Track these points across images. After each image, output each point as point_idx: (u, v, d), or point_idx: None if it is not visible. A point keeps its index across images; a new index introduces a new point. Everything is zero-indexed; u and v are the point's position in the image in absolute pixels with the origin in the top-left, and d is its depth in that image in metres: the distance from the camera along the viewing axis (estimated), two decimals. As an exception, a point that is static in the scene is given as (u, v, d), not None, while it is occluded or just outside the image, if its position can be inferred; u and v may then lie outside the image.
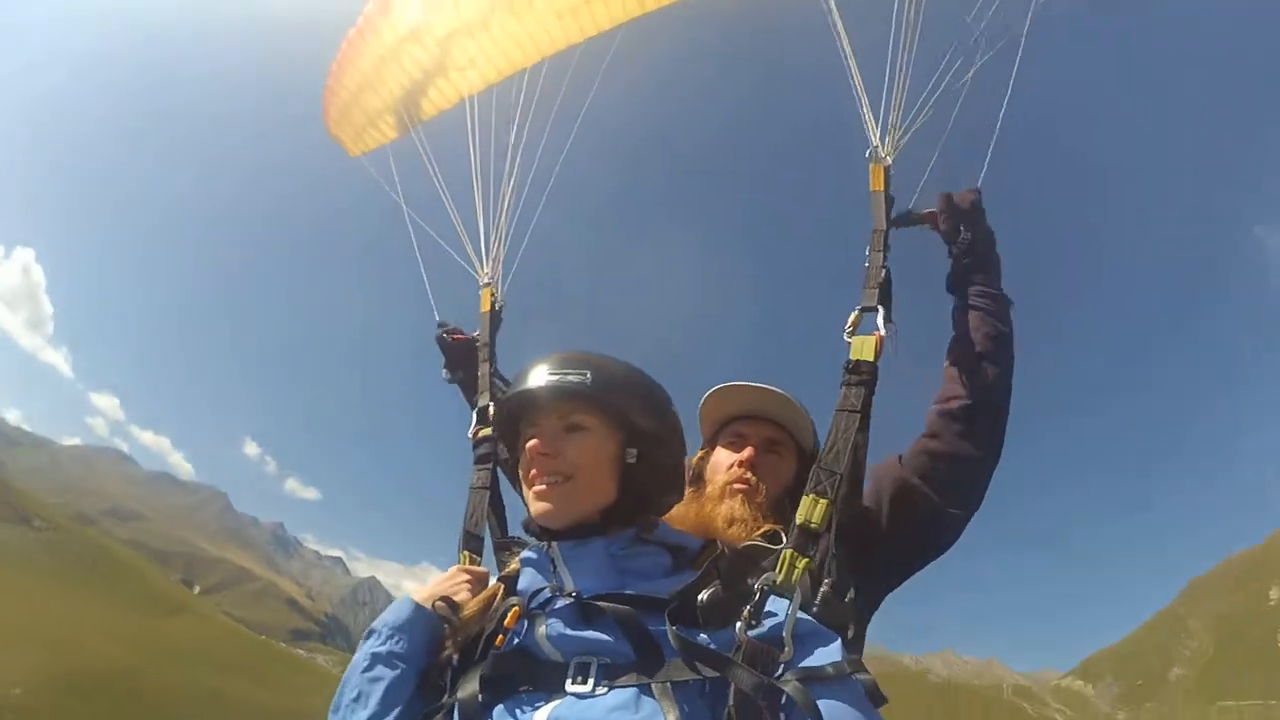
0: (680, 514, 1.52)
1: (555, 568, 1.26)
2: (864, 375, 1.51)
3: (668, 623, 1.07)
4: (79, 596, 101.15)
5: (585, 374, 1.27)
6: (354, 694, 1.24)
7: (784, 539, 1.40)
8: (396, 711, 1.22)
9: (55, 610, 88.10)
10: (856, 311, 1.64)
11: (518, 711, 1.10)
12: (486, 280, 2.46)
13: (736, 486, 1.78)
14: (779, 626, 1.10)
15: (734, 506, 1.72)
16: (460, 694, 1.16)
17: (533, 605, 1.24)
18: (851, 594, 1.48)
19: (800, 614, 1.14)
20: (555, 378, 1.28)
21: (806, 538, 1.28)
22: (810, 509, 1.32)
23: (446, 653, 1.30)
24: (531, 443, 1.28)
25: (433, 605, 1.32)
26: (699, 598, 1.11)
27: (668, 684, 1.02)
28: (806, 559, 1.24)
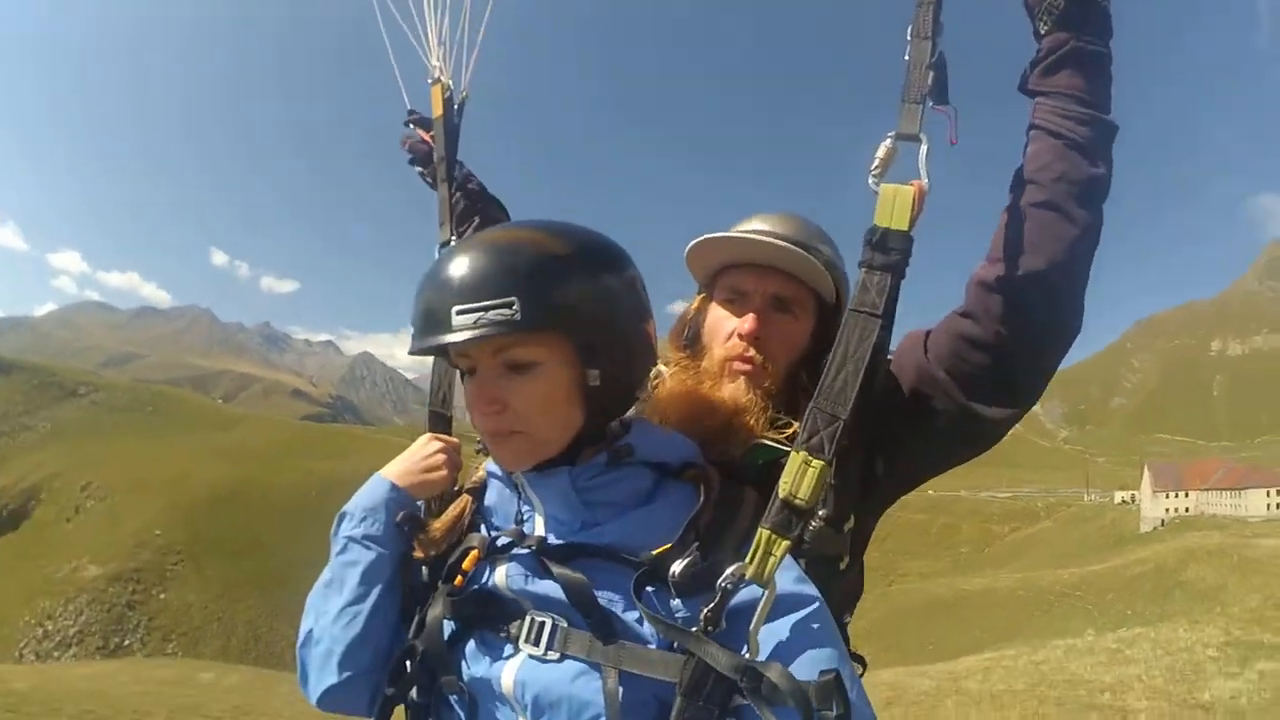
0: (674, 391, 1.29)
1: (522, 491, 1.09)
2: (892, 254, 1.01)
3: (638, 603, 0.92)
4: (159, 440, 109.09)
5: (511, 302, 0.91)
6: (328, 579, 1.14)
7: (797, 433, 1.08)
8: (376, 593, 1.10)
9: (149, 457, 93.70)
10: (889, 141, 1.07)
11: (487, 659, 1.00)
12: (437, 72, 1.71)
13: (738, 366, 1.34)
14: (746, 619, 0.89)
15: (737, 391, 1.31)
16: (428, 620, 1.04)
17: (493, 548, 1.06)
18: (851, 523, 1.20)
19: (781, 583, 0.92)
20: (469, 317, 0.92)
21: (790, 515, 0.94)
22: (798, 475, 0.94)
23: (418, 557, 1.15)
24: (469, 398, 1.02)
25: (397, 522, 1.14)
26: (672, 571, 0.91)
27: (617, 670, 0.90)
28: (786, 541, 0.92)
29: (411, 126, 1.83)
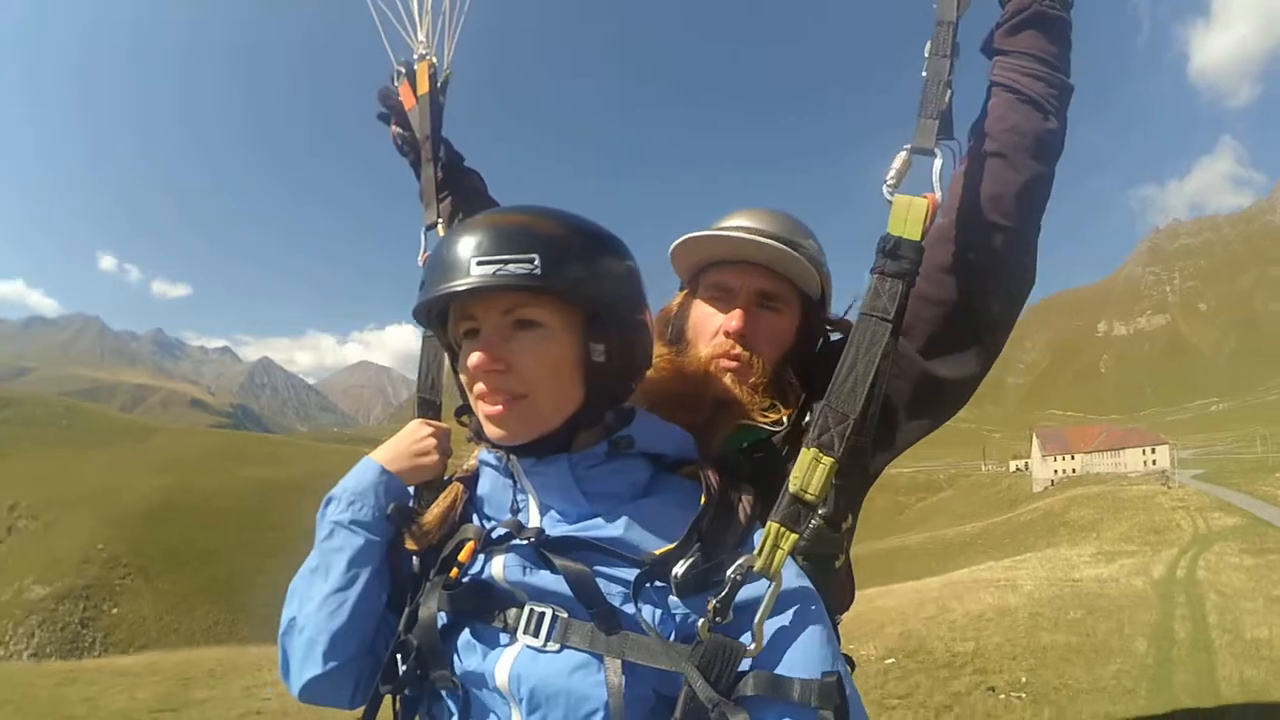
0: (660, 388, 1.23)
1: (517, 480, 1.05)
2: (904, 262, 1.01)
3: (636, 604, 0.91)
4: (82, 454, 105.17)
5: (533, 259, 0.91)
6: (313, 564, 1.08)
7: (783, 420, 1.19)
8: (363, 580, 1.06)
9: (76, 472, 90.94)
10: (904, 154, 1.07)
11: (481, 652, 0.97)
12: (423, 49, 1.66)
13: (724, 364, 1.31)
14: (750, 613, 0.89)
15: (724, 388, 1.29)
16: (421, 614, 1.01)
17: (489, 539, 1.03)
18: (848, 522, 1.16)
19: (785, 579, 0.92)
20: (490, 268, 0.91)
21: (798, 509, 0.94)
22: (808, 471, 0.95)
23: (410, 549, 1.10)
24: (473, 357, 0.95)
25: (387, 513, 1.10)
26: (675, 572, 0.90)
27: (620, 660, 0.88)
28: (795, 535, 0.92)
29: (391, 122, 1.73)
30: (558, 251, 0.94)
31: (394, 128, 1.72)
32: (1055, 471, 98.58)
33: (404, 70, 1.67)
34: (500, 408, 0.97)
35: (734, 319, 1.32)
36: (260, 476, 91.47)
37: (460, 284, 0.92)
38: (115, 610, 64.51)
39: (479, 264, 0.92)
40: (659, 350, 1.32)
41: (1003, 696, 5.26)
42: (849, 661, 1.22)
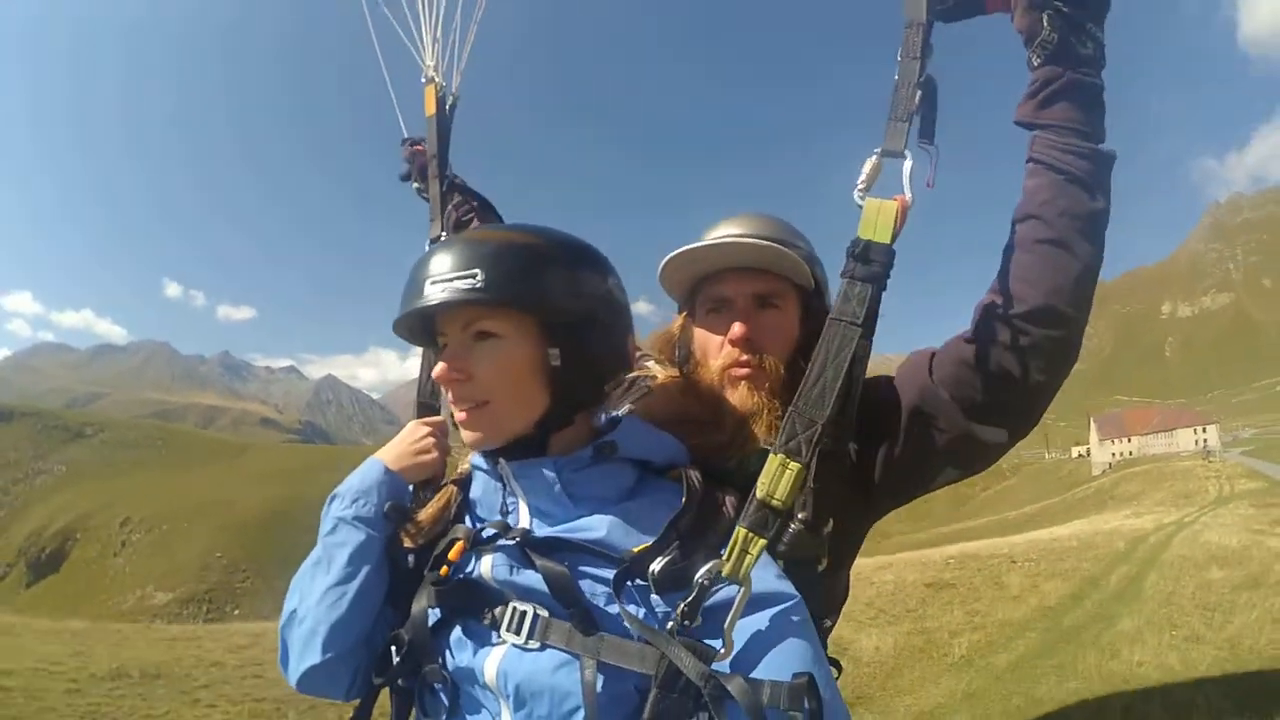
0: (674, 411, 1.27)
1: (506, 483, 1.08)
2: (874, 265, 1.02)
3: (619, 600, 0.92)
4: (181, 472, 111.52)
5: (475, 274, 0.97)
6: (316, 558, 1.12)
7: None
8: (363, 575, 1.08)
9: (179, 488, 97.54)
10: (875, 157, 1.07)
11: (471, 648, 1.00)
12: (432, 72, 1.77)
13: (737, 372, 1.32)
14: (723, 616, 0.89)
15: (741, 397, 1.31)
16: (413, 609, 1.04)
17: (479, 539, 1.06)
18: (829, 526, 1.15)
19: (760, 581, 0.93)
20: (440, 286, 0.98)
21: (766, 514, 0.95)
22: (775, 477, 0.96)
23: (406, 545, 1.14)
24: (437, 368, 1.03)
25: (384, 511, 1.13)
26: (652, 568, 0.93)
27: (596, 661, 0.90)
28: (763, 540, 0.94)
29: (408, 145, 1.89)
30: (503, 262, 0.98)
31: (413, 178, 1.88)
32: (1113, 455, 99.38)
33: (427, 79, 1.78)
34: (466, 414, 1.04)
35: (736, 327, 1.33)
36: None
37: (416, 305, 1.00)
38: (237, 612, 69.32)
39: (430, 284, 0.99)
40: (669, 373, 1.40)
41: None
42: (835, 665, 1.25)
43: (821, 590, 1.14)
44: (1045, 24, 1.14)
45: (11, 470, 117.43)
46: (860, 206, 1.06)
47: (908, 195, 1.05)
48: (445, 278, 0.99)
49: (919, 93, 1.09)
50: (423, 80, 1.79)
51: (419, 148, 1.87)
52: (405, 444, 1.26)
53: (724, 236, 1.40)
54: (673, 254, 1.38)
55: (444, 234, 1.70)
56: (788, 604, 0.95)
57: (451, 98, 1.81)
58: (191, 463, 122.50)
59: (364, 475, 1.19)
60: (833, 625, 1.37)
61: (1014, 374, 1.18)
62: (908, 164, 1.06)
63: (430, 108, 1.77)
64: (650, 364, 1.45)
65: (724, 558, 0.92)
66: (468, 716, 1.01)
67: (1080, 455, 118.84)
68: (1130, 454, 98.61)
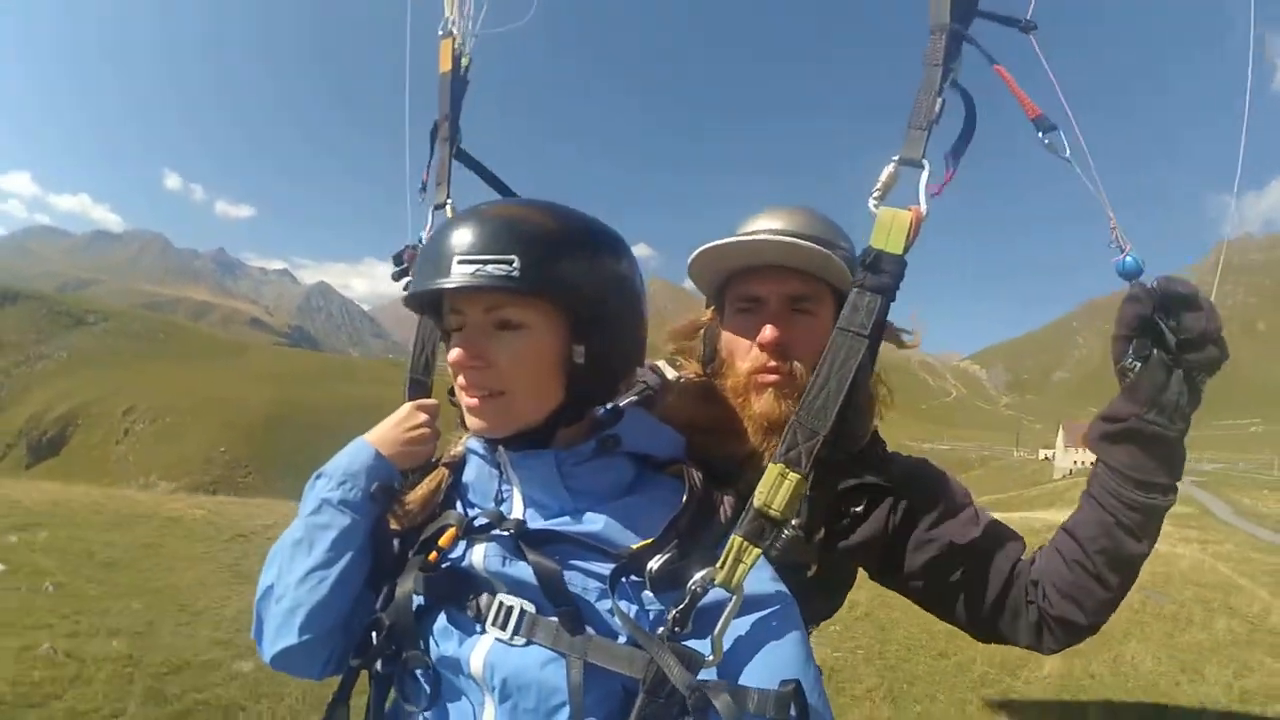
0: (700, 416, 1.23)
1: (503, 471, 1.05)
2: (884, 276, 0.97)
3: (613, 598, 0.91)
4: (187, 366, 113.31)
5: (511, 261, 0.91)
6: (297, 536, 1.07)
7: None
8: (346, 559, 1.05)
9: (183, 382, 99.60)
10: (892, 165, 1.02)
11: (456, 638, 0.98)
12: (451, 25, 1.61)
13: (764, 379, 1.27)
14: (711, 618, 0.88)
15: (767, 406, 1.25)
16: (397, 593, 1.02)
17: (472, 527, 1.03)
18: (821, 534, 1.20)
19: (754, 584, 0.92)
20: (470, 268, 0.92)
21: (762, 524, 0.92)
22: (774, 486, 0.93)
23: (393, 529, 1.12)
24: (454, 352, 0.98)
25: (371, 492, 1.09)
26: (649, 566, 0.91)
27: (582, 660, 0.89)
28: (758, 550, 0.92)
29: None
30: (538, 252, 0.93)
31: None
32: (1075, 462, 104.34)
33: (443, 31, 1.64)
34: (478, 402, 0.98)
35: (768, 331, 1.27)
36: (356, 394, 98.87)
37: (441, 283, 0.93)
38: (241, 506, 74.51)
39: (460, 262, 0.92)
40: (694, 370, 1.37)
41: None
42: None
43: (808, 598, 1.10)
44: (1132, 351, 1.05)
45: (12, 352, 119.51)
46: (874, 215, 1.00)
47: (923, 207, 0.99)
48: (478, 258, 0.92)
49: (940, 100, 1.03)
50: (439, 32, 1.62)
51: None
52: (399, 429, 1.21)
53: (761, 232, 1.33)
54: (705, 246, 1.31)
55: (449, 201, 1.55)
56: (779, 607, 0.94)
57: (465, 59, 1.63)
58: (192, 358, 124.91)
59: (352, 457, 1.14)
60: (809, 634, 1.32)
61: (1031, 629, 1.25)
62: (924, 174, 1.00)
63: (445, 64, 1.60)
64: (662, 363, 1.41)
65: (718, 565, 0.91)
66: (449, 705, 0.99)
67: (1046, 458, 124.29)
68: (1092, 462, 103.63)
